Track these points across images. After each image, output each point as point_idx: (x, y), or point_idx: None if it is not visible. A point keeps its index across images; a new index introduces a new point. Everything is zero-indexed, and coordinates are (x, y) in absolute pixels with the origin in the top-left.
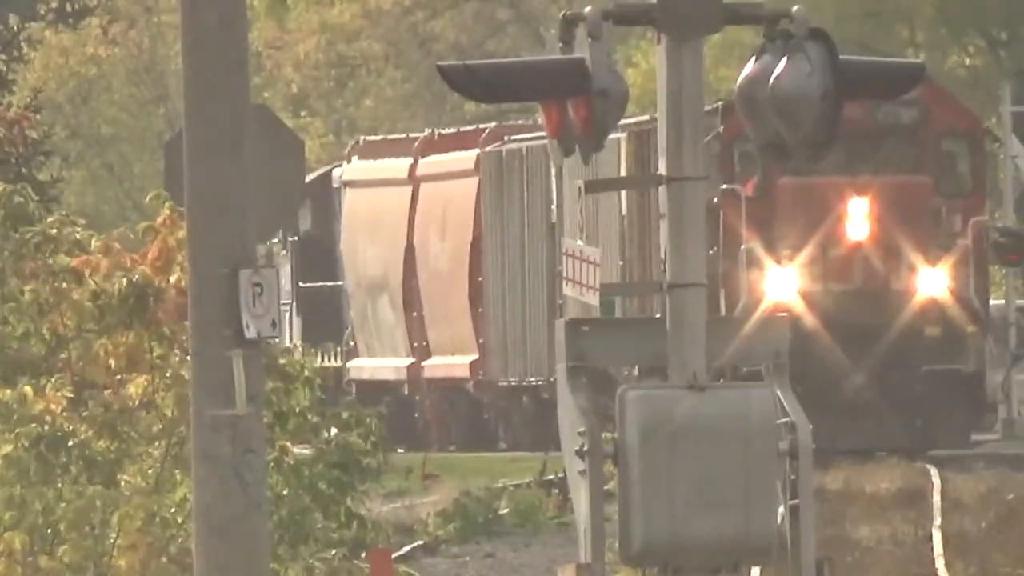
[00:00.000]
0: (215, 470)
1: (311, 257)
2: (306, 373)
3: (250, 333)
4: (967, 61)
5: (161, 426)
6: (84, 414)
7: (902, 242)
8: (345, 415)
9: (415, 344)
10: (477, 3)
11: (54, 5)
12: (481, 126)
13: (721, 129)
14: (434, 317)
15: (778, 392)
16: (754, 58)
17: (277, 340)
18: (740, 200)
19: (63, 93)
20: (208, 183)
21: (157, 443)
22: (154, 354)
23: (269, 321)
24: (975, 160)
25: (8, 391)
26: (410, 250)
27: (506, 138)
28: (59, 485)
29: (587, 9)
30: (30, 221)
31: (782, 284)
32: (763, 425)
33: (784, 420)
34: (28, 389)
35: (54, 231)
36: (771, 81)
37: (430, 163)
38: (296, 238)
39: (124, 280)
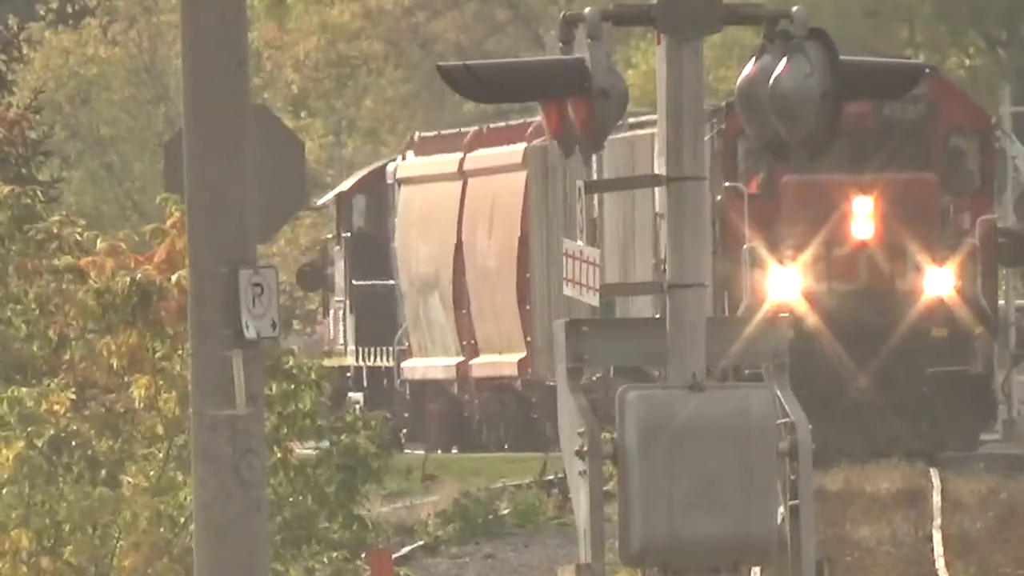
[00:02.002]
0: (215, 470)
1: (364, 254)
2: (312, 375)
3: (250, 333)
4: (967, 61)
5: (163, 427)
6: (86, 414)
7: (908, 241)
8: (350, 417)
9: (464, 343)
10: (477, 3)
11: (54, 5)
12: (528, 119)
13: (724, 126)
14: (483, 315)
15: (778, 392)
16: (754, 58)
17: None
18: (743, 199)
19: (63, 93)
20: (208, 183)
21: (160, 444)
22: (156, 354)
23: (269, 321)
24: (984, 157)
25: (22, 389)
26: (459, 247)
27: None
28: (61, 485)
29: (587, 10)
30: (38, 221)
31: (785, 284)
32: (763, 425)
33: (784, 420)
34: (45, 390)
35: (56, 230)
36: (771, 81)
37: (478, 158)
38: (349, 234)
39: (127, 279)
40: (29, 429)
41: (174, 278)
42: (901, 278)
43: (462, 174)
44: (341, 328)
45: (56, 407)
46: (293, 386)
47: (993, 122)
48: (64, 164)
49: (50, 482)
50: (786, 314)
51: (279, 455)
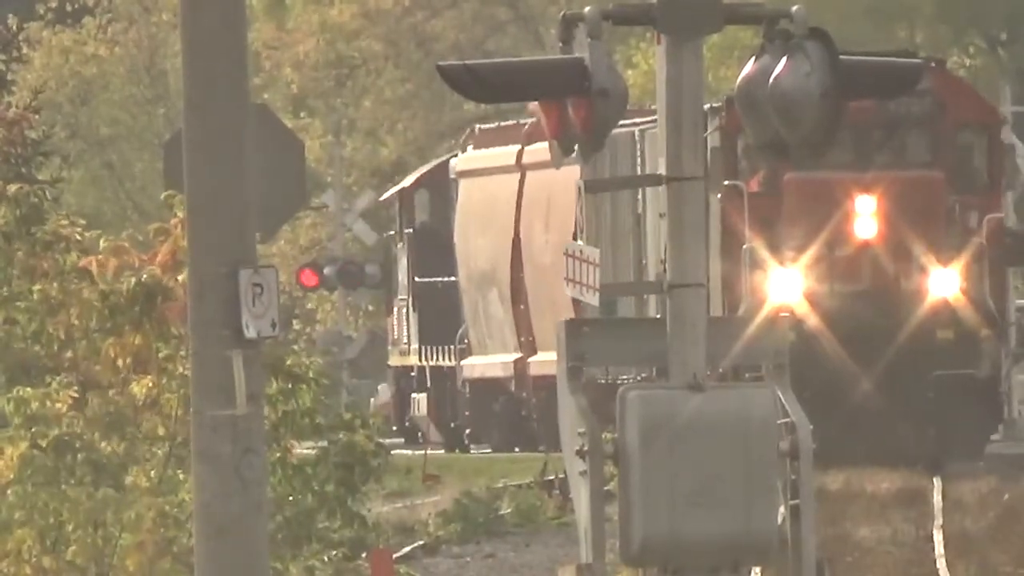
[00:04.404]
0: (215, 470)
1: (428, 250)
2: (311, 374)
3: (250, 333)
4: (967, 61)
5: (164, 427)
6: (89, 415)
7: (913, 241)
8: (348, 415)
9: (522, 339)
10: (476, 3)
11: (53, 5)
12: None
13: (724, 122)
14: (540, 311)
15: (778, 392)
16: (754, 58)
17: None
18: (742, 197)
19: (63, 93)
20: (208, 183)
21: (161, 443)
22: (160, 355)
23: (269, 321)
24: (992, 154)
25: (28, 389)
26: (516, 241)
27: None
28: (63, 487)
29: (587, 9)
30: (44, 221)
31: (786, 285)
32: (763, 425)
33: (784, 420)
34: (50, 390)
35: (66, 231)
36: (771, 81)
37: (536, 151)
38: (411, 231)
39: (133, 280)
40: (34, 430)
41: (180, 278)
42: (906, 279)
43: (520, 167)
44: (404, 327)
45: (58, 405)
46: (292, 384)
47: (1003, 117)
48: (64, 164)
49: (52, 482)
50: (787, 313)
51: (278, 454)
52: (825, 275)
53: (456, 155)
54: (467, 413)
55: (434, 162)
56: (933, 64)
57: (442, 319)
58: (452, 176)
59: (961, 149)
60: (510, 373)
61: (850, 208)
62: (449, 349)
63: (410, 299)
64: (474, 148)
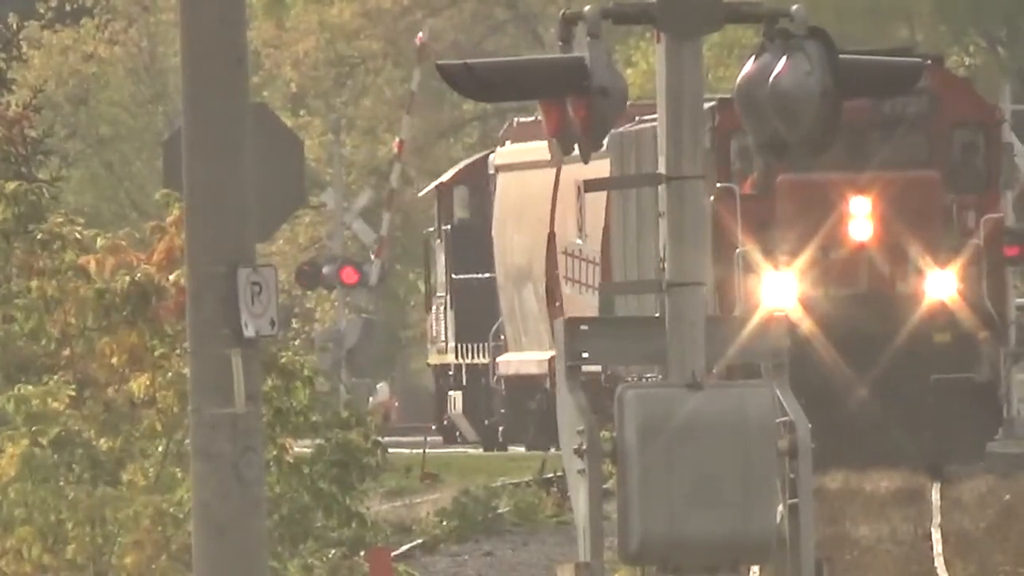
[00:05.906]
0: (214, 468)
1: (466, 247)
2: (306, 371)
3: (248, 332)
4: (967, 60)
5: (161, 424)
6: (85, 412)
7: (909, 242)
8: (345, 414)
9: None
10: (475, 2)
11: (53, 4)
12: None
13: (716, 123)
14: (572, 308)
15: (777, 391)
16: (753, 57)
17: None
18: (735, 200)
19: (62, 92)
20: (207, 182)
21: (158, 441)
22: (156, 353)
23: (268, 320)
24: (990, 153)
25: (29, 387)
26: (552, 237)
27: (636, 119)
28: (61, 483)
29: (586, 8)
30: (42, 219)
31: (780, 289)
32: (762, 424)
33: (783, 419)
34: (50, 388)
35: (64, 229)
36: (770, 80)
37: None
38: (449, 227)
39: (127, 279)
40: (34, 428)
41: (172, 277)
42: (902, 281)
43: (555, 162)
44: (442, 324)
45: (55, 404)
46: (286, 382)
47: (1001, 116)
48: (63, 163)
49: (52, 480)
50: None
51: (274, 452)
52: (820, 278)
53: (494, 151)
54: (502, 411)
55: (472, 157)
56: (929, 62)
57: (479, 316)
58: (491, 171)
59: (958, 148)
60: (545, 371)
61: (845, 210)
62: (485, 346)
63: (447, 296)
64: (512, 142)
